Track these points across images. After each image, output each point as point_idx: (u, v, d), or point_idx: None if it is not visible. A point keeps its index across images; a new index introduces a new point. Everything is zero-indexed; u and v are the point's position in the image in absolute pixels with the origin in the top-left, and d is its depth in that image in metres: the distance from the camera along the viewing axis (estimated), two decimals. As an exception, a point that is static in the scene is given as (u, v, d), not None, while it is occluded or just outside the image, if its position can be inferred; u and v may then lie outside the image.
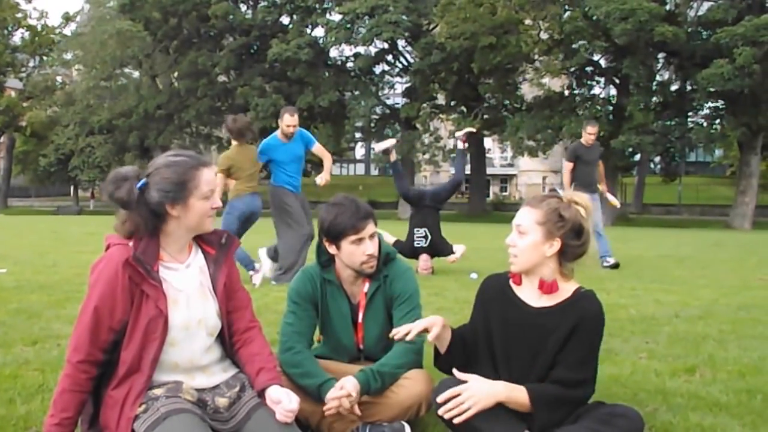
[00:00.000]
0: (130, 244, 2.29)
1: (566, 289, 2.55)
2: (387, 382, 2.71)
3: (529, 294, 2.58)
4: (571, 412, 2.44)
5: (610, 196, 10.19)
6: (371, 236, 2.81)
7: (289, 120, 7.54)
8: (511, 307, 2.59)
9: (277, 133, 7.71)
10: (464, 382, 2.40)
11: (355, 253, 2.80)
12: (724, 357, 4.12)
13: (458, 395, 2.36)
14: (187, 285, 2.38)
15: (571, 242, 2.49)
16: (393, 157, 9.08)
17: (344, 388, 2.59)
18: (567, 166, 9.73)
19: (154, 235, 2.33)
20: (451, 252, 8.68)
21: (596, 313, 2.48)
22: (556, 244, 2.49)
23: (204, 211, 2.35)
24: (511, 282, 2.64)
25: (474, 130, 9.74)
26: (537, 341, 2.50)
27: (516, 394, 2.40)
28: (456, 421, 2.35)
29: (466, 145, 9.47)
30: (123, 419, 2.21)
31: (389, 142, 9.22)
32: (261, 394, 2.37)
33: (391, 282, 2.91)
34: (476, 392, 2.36)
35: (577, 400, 2.44)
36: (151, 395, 2.25)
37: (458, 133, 9.60)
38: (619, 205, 9.90)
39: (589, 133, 9.68)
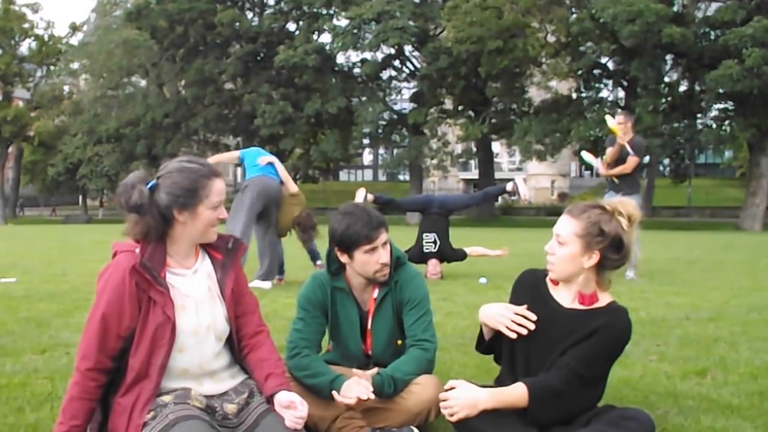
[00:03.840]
0: (137, 250, 2.29)
1: (601, 299, 2.53)
2: (398, 389, 2.70)
3: (563, 296, 2.56)
4: (567, 413, 2.42)
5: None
6: (383, 244, 2.81)
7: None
8: (542, 303, 2.57)
9: None
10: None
11: (369, 262, 2.80)
12: (736, 359, 4.10)
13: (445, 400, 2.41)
14: (195, 290, 2.38)
15: (611, 256, 2.45)
16: (370, 198, 8.41)
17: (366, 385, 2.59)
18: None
19: (161, 240, 2.33)
20: (462, 258, 8.73)
21: (621, 327, 2.46)
22: (595, 257, 2.45)
23: (211, 220, 2.35)
24: (547, 280, 2.62)
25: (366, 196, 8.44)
26: (557, 341, 2.48)
27: (506, 398, 2.40)
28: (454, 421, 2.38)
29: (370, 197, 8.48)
30: (131, 426, 2.21)
31: (360, 194, 8.31)
32: (270, 399, 2.36)
33: (400, 287, 2.90)
34: (457, 400, 2.38)
35: (573, 399, 2.42)
36: (159, 402, 2.25)
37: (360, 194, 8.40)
38: None
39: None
